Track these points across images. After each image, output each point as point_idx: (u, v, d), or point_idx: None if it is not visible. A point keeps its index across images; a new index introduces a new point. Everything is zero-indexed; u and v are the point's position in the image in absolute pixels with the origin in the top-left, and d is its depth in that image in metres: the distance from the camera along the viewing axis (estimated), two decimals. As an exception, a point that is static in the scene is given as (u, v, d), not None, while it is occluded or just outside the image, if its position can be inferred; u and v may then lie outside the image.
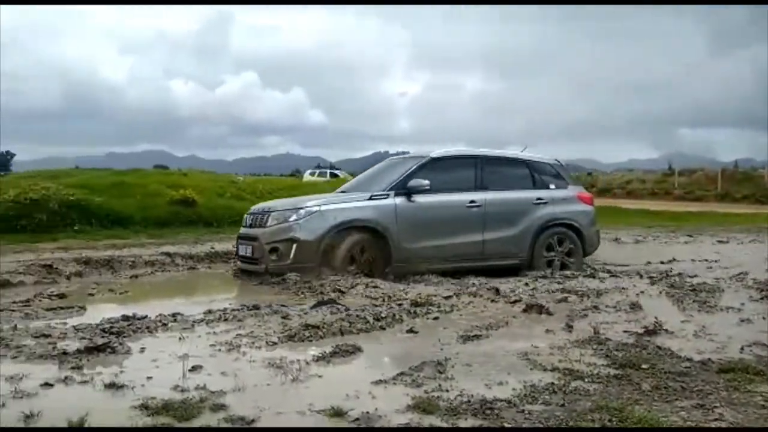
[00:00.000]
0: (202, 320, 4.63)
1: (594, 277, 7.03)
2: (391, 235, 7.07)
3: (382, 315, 4.81)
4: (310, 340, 4.17)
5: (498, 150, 8.59)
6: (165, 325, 4.48)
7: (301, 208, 7.00)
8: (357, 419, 2.78)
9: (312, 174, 40.09)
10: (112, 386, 3.13)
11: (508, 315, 5.01)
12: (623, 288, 6.12)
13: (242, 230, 7.54)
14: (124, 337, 4.12)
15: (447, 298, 5.59)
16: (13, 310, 5.05)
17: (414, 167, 7.59)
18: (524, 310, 5.13)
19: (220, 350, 3.90)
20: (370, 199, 7.22)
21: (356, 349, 3.93)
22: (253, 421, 2.73)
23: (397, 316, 4.84)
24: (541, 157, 8.62)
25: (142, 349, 3.88)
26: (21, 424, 2.63)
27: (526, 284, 6.39)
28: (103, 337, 4.02)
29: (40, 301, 5.55)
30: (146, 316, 4.64)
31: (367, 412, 2.84)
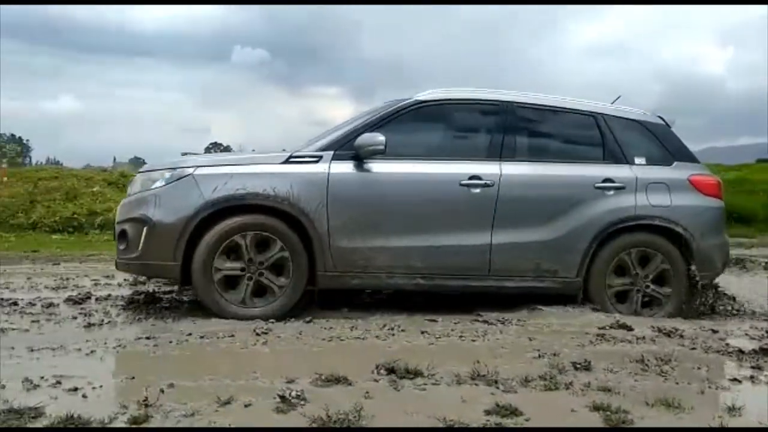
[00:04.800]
0: None
1: None
2: (315, 225, 4.45)
3: None
4: None
5: (548, 96, 5.14)
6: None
7: (173, 169, 4.53)
8: None
9: None
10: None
11: None
12: None
13: None
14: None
15: None
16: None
17: (378, 115, 4.78)
18: None
19: None
20: (288, 161, 4.56)
21: None
22: None
23: None
24: (626, 111, 5.22)
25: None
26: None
27: None
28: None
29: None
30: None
31: None
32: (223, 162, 4.64)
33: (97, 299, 4.99)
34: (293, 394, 2.67)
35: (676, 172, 5.05)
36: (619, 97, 5.44)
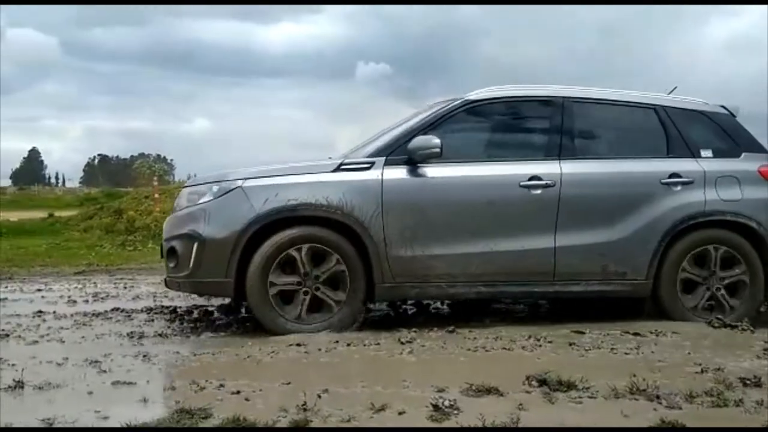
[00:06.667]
0: None
1: None
2: (371, 234, 4.20)
3: None
4: None
5: (605, 89, 4.86)
6: None
7: (220, 182, 4.33)
8: None
9: None
10: None
11: None
12: None
13: None
14: None
15: None
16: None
17: (428, 117, 4.52)
18: None
19: None
20: (338, 169, 4.33)
21: None
22: None
23: None
24: (687, 101, 4.85)
25: None
26: None
27: None
28: None
29: None
30: None
31: None
32: (272, 173, 4.41)
33: (246, 308, 5.24)
34: (446, 403, 2.66)
35: (745, 163, 4.70)
36: (675, 88, 5.07)
